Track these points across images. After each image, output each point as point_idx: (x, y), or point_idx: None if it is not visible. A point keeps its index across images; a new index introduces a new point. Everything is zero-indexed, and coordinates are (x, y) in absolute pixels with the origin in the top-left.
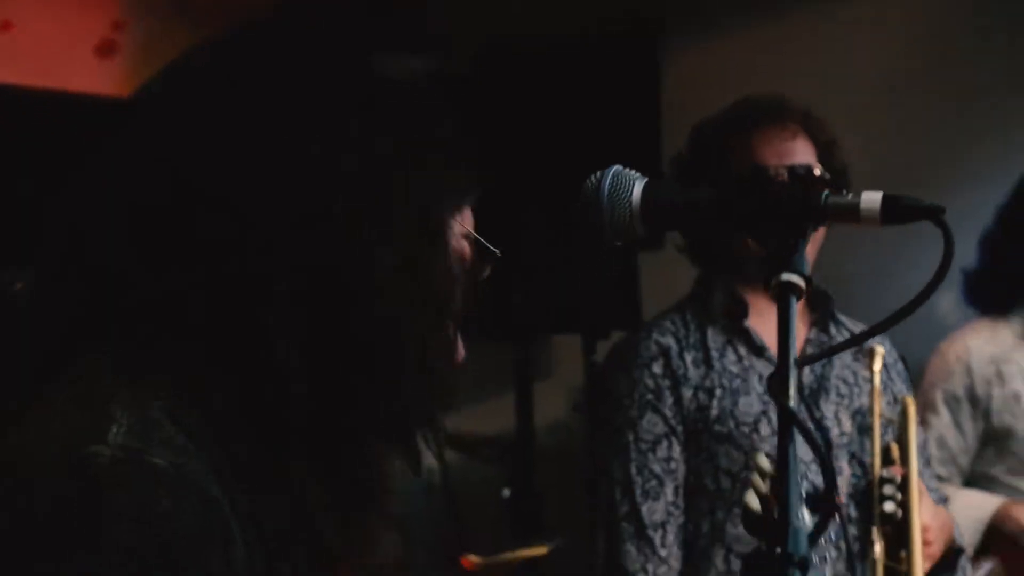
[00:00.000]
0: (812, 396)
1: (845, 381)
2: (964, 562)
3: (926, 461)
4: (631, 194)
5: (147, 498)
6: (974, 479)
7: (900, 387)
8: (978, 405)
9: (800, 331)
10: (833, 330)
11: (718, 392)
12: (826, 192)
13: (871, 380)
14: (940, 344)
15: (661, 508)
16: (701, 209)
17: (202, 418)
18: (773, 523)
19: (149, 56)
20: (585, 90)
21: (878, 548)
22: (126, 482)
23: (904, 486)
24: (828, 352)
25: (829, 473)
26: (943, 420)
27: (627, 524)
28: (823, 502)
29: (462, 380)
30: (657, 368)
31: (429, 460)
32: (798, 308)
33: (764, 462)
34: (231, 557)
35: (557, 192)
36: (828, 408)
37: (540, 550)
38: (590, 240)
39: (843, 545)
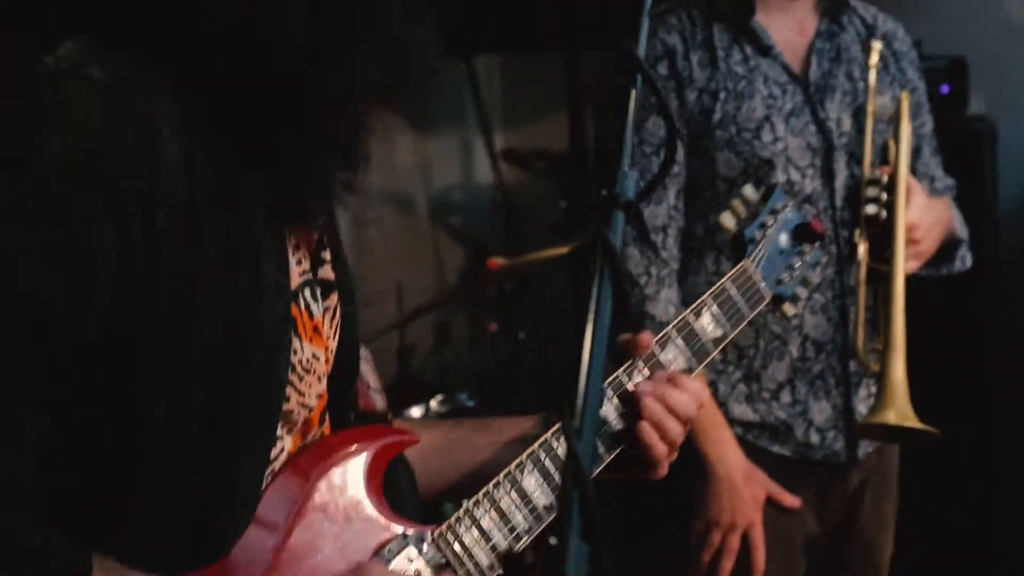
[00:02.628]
0: (818, 94)
1: (851, 77)
2: (963, 251)
3: (934, 150)
4: None
5: (82, 109)
6: None
7: (911, 76)
8: None
9: (809, 22)
10: (845, 19)
11: (722, 95)
12: None
13: (867, 77)
14: None
15: (663, 212)
16: None
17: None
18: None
19: None
20: None
21: (862, 249)
22: (64, 91)
23: (891, 186)
24: None
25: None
26: None
27: (630, 228)
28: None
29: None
30: (662, 69)
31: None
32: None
33: (749, 192)
34: (155, 187)
35: None
36: (832, 108)
37: (562, 249)
38: None
39: (834, 248)
